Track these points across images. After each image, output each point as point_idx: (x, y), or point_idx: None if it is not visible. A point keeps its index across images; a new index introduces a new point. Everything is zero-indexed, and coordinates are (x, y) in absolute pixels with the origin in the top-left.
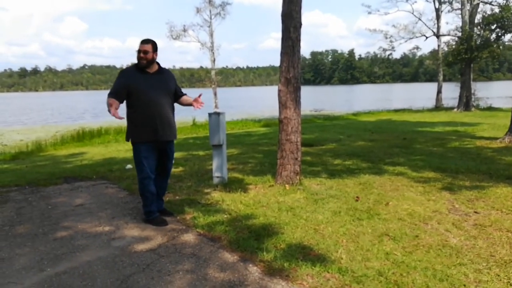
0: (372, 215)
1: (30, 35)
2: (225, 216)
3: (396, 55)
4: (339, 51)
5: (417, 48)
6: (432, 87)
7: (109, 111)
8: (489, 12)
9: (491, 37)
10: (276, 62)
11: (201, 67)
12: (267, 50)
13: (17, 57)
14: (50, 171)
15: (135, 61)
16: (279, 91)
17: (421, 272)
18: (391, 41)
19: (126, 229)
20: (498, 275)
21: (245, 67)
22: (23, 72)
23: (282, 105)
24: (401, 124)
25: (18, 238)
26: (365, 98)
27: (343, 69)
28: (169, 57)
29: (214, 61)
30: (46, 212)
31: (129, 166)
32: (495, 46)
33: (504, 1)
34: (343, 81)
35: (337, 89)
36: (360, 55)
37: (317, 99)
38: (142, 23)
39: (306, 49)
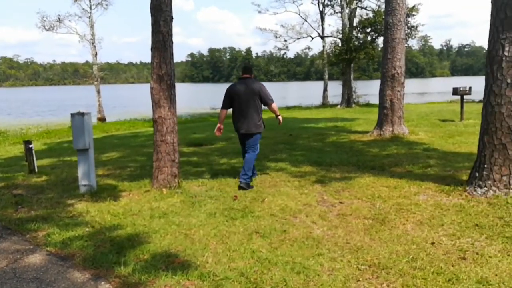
0: (246, 213)
1: None
2: (87, 229)
3: (290, 54)
4: (237, 49)
5: (309, 48)
6: (321, 85)
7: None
8: (365, 16)
9: (367, 40)
10: (174, 58)
11: (87, 61)
12: None
13: None
14: None
15: (6, 54)
16: (152, 88)
17: (281, 267)
18: (285, 40)
19: None
20: (350, 262)
21: (138, 62)
22: None
23: (156, 104)
24: (290, 121)
25: None
26: None
27: (241, 66)
28: (47, 51)
29: (96, 55)
30: None
31: None
32: (370, 47)
33: (377, 7)
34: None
35: None
36: (257, 53)
37: (215, 97)
38: (11, 11)
39: (204, 46)
